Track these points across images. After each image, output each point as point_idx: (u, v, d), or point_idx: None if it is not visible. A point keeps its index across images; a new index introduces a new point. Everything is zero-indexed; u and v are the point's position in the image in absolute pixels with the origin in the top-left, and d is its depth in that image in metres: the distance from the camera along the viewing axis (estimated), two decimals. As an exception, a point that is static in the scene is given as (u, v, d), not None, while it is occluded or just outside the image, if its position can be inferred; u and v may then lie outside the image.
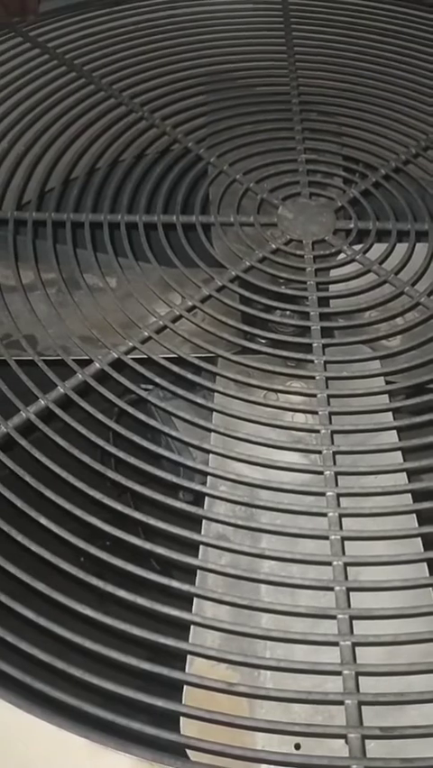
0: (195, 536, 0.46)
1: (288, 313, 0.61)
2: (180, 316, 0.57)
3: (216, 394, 0.54)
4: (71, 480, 0.46)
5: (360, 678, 0.40)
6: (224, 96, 0.76)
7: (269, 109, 0.74)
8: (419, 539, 0.47)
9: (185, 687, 0.42)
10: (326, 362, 0.54)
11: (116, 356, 0.54)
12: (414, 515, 0.47)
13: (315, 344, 0.55)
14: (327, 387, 0.53)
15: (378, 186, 0.69)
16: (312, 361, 0.54)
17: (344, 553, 0.44)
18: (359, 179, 0.69)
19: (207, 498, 0.50)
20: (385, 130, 0.73)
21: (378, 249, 0.63)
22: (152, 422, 0.51)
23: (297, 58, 0.79)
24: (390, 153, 0.71)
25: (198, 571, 0.46)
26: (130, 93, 0.74)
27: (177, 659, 0.42)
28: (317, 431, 0.50)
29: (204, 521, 0.49)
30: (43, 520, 0.44)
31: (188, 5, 0.85)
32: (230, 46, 0.81)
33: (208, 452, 0.51)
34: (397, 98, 0.76)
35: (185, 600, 0.44)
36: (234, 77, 0.78)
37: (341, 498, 0.47)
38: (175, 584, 0.42)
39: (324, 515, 0.46)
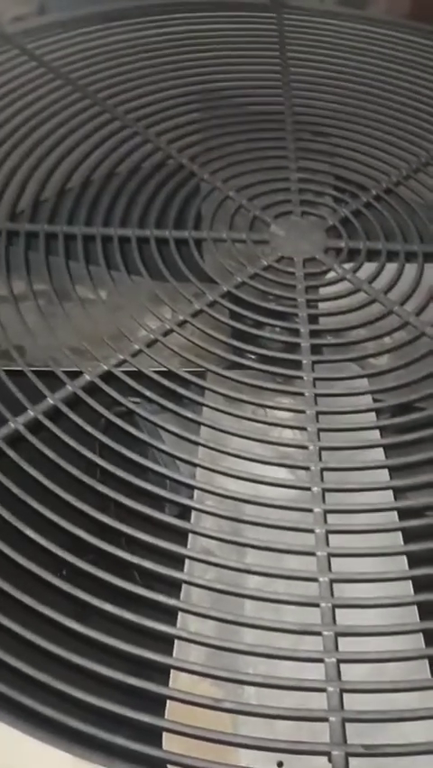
0: (180, 550, 0.46)
1: (278, 329, 0.61)
2: (171, 330, 0.57)
3: (204, 408, 0.54)
4: (58, 491, 0.46)
5: (344, 695, 0.40)
6: (218, 114, 0.77)
7: (263, 128, 0.75)
8: (405, 556, 0.47)
9: (168, 702, 0.41)
10: (315, 379, 0.54)
11: (106, 368, 0.54)
12: (400, 532, 0.48)
13: (304, 361, 0.55)
14: (315, 403, 0.53)
15: (369, 206, 0.69)
16: (301, 378, 0.55)
17: (330, 569, 0.45)
18: (350, 199, 0.70)
19: (193, 512, 0.50)
20: (377, 151, 0.74)
21: (368, 268, 0.63)
22: (140, 434, 0.51)
23: (291, 78, 0.80)
24: (381, 174, 0.72)
25: (183, 586, 0.46)
26: (125, 108, 0.75)
27: (160, 673, 0.42)
28: (306, 447, 0.51)
29: (190, 535, 0.49)
30: (29, 532, 0.44)
31: (184, 23, 0.86)
32: (225, 64, 0.81)
33: (196, 465, 0.51)
34: (390, 121, 0.77)
35: (168, 614, 0.44)
36: (228, 95, 0.78)
37: (328, 515, 0.47)
38: (161, 598, 0.42)
39: (311, 531, 0.46)
